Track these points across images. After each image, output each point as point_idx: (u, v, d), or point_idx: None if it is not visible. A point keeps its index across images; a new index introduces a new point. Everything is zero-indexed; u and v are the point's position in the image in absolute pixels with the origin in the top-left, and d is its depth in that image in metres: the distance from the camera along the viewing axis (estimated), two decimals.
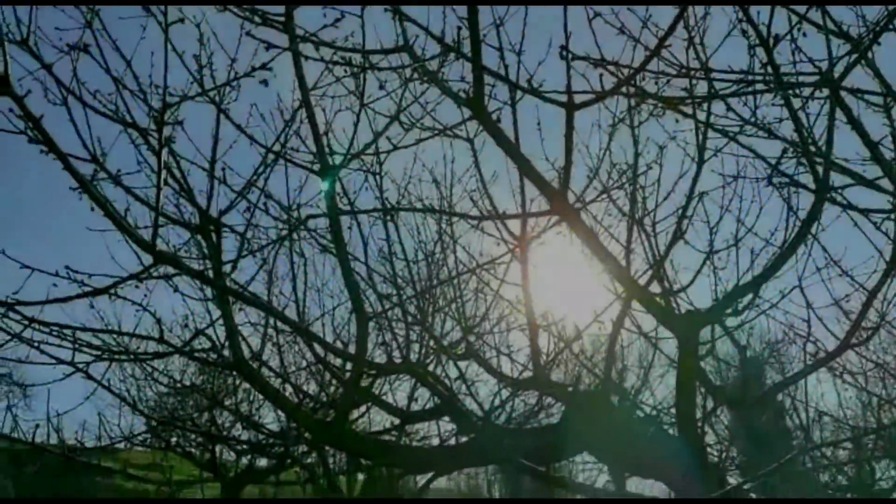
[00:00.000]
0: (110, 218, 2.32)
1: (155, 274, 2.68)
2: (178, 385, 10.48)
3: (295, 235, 5.64)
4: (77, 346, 3.97)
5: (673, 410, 5.02)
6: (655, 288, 5.64)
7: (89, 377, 3.78)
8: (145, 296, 4.44)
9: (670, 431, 4.15)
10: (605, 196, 5.83)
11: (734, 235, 5.65)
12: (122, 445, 22.80)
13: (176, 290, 4.86)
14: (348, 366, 6.80)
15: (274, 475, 21.17)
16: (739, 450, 7.30)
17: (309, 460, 13.91)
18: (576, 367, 6.29)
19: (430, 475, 13.52)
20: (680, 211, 5.24)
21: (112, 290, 2.52)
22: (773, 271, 3.50)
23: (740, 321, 5.59)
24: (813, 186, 3.84)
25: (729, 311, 4.54)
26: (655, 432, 3.64)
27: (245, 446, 14.61)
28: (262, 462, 20.49)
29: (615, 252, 6.05)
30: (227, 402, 12.52)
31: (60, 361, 3.65)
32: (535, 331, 5.48)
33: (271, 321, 6.62)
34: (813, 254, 4.93)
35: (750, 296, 4.76)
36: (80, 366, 3.87)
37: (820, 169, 3.45)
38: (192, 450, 20.65)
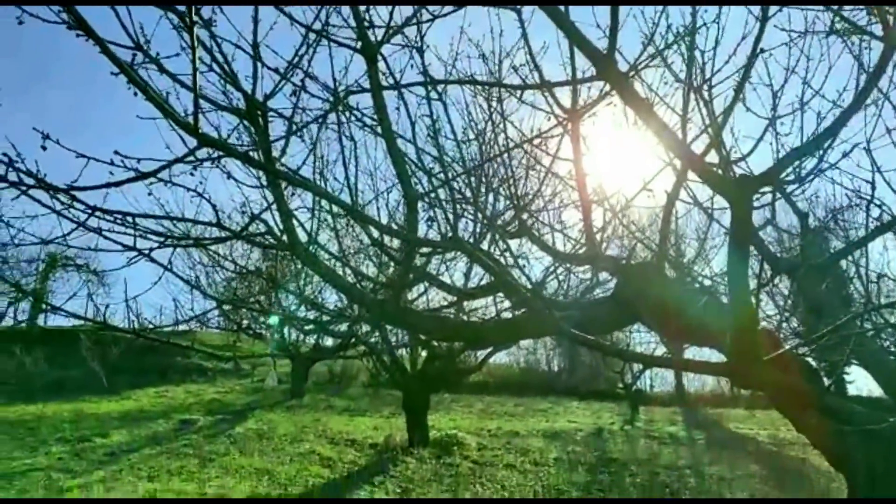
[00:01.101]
0: (152, 101, 2.32)
1: (200, 157, 2.70)
2: (243, 269, 10.89)
3: (343, 118, 5.59)
4: (140, 233, 4.12)
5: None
6: (713, 158, 5.46)
7: (154, 261, 3.92)
8: (200, 183, 4.54)
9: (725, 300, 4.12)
10: (659, 61, 5.55)
11: (799, 98, 5.35)
12: (197, 329, 24.05)
13: (229, 176, 4.93)
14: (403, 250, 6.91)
15: (339, 352, 22.28)
16: (799, 320, 7.24)
17: (372, 339, 14.49)
18: (630, 241, 6.24)
19: (488, 351, 13.99)
20: (740, 74, 4.95)
21: (160, 174, 2.56)
22: (836, 129, 3.29)
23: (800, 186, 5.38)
24: (881, 34, 3.55)
25: (788, 175, 4.36)
26: (709, 301, 3.61)
27: (311, 326, 15.19)
28: (328, 341, 21.55)
29: (670, 123, 5.88)
30: (291, 287, 12.94)
31: (126, 247, 3.78)
32: (587, 206, 5.42)
33: (326, 205, 6.73)
34: (883, 114, 4.65)
35: (812, 160, 4.56)
36: (145, 251, 4.00)
37: (890, 18, 3.16)
38: (263, 331, 21.75)
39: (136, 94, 2.34)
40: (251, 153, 3.34)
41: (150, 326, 4.08)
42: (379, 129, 3.86)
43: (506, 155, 6.27)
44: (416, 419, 12.53)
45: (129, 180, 2.60)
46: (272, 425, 14.12)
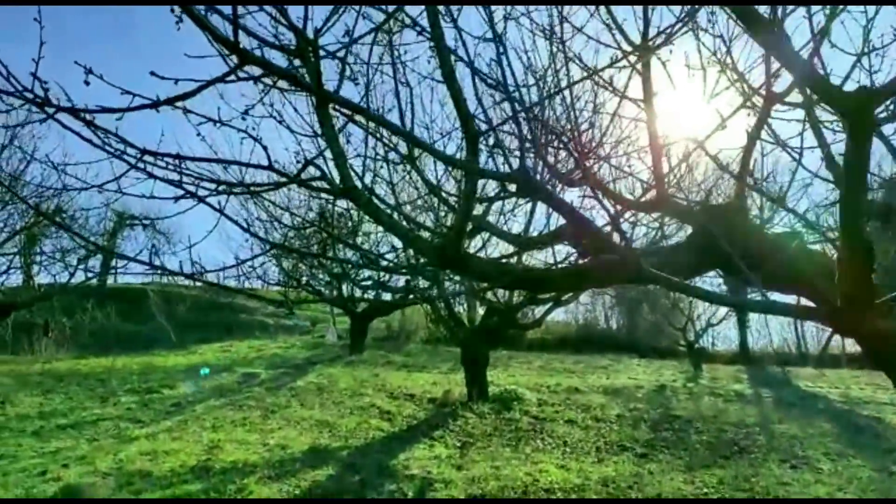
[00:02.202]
0: (189, 15, 2.14)
1: (242, 76, 2.50)
2: (302, 222, 10.85)
3: (397, 59, 5.34)
4: (193, 179, 4.00)
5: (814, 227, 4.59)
6: (795, 98, 5.04)
7: (208, 205, 3.80)
8: (253, 127, 4.39)
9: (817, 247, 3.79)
10: None
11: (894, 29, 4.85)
12: (259, 286, 24.49)
13: (281, 121, 4.78)
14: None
15: (398, 308, 22.38)
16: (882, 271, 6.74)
17: (430, 294, 14.40)
18: (704, 187, 5.87)
19: (547, 307, 13.74)
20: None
21: (198, 93, 2.38)
22: None
23: None
24: None
25: None
26: (799, 246, 3.29)
27: (369, 282, 15.21)
28: (387, 296, 21.64)
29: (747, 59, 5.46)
30: (348, 241, 12.87)
31: (179, 195, 3.66)
32: (657, 151, 5.07)
33: (381, 152, 6.52)
34: None
35: None
36: (198, 196, 3.88)
37: None
38: (322, 288, 21.94)
39: (172, 10, 2.15)
40: (293, 69, 3.10)
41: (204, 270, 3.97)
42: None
43: (568, 98, 5.95)
44: (474, 374, 12.44)
45: (161, 102, 2.43)
46: (332, 379, 14.27)
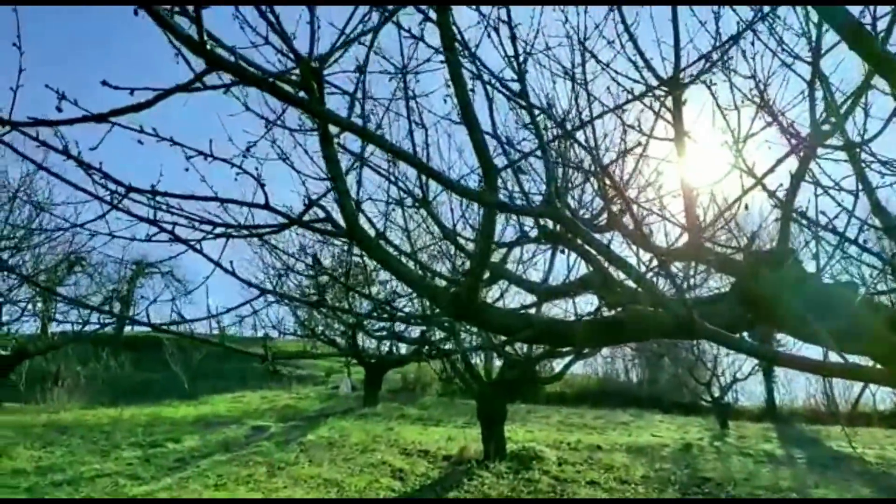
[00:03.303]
0: (148, 11, 1.82)
1: (209, 83, 2.18)
2: (318, 269, 10.54)
3: (412, 100, 5.07)
4: (192, 222, 3.69)
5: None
6: (835, 141, 4.67)
7: (198, 252, 3.45)
8: (256, 168, 4.09)
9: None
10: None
11: None
12: (274, 334, 24.12)
13: (285, 158, 4.47)
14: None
15: (414, 360, 21.87)
16: None
17: (447, 346, 13.96)
18: (743, 233, 5.46)
19: (567, 360, 13.21)
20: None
21: (154, 104, 2.04)
22: None
23: None
24: None
25: None
26: (866, 299, 2.88)
27: (384, 332, 14.80)
28: (403, 348, 21.21)
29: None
30: (364, 291, 12.50)
31: (170, 236, 3.33)
32: (689, 194, 4.70)
33: (393, 192, 6.19)
34: None
35: None
36: (191, 241, 3.55)
37: None
38: (337, 338, 21.53)
39: (136, 12, 1.84)
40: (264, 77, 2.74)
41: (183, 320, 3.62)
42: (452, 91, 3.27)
43: (591, 138, 5.63)
44: (491, 430, 11.88)
45: (107, 115, 2.09)
46: (344, 433, 13.75)
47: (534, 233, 5.24)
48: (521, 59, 4.30)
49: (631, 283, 4.03)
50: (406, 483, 10.10)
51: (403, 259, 5.65)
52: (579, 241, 4.05)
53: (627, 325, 3.42)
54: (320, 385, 27.22)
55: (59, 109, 2.59)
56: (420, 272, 3.69)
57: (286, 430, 14.51)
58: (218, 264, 3.64)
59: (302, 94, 3.67)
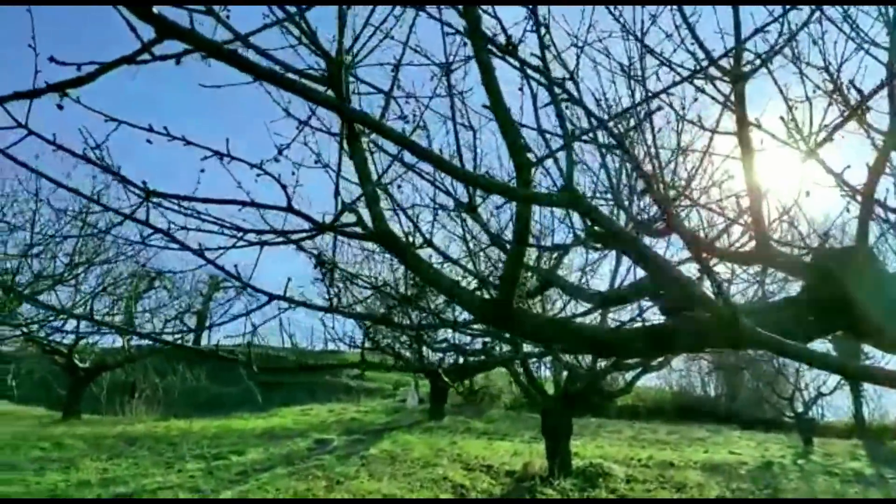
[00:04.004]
0: None
1: (158, 54, 1.99)
2: (381, 285, 10.43)
3: (455, 99, 4.83)
4: (222, 228, 3.57)
5: None
6: None
7: (211, 263, 3.32)
8: (293, 173, 3.95)
9: None
10: None
11: None
12: (344, 347, 24.27)
13: (318, 161, 4.30)
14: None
15: (479, 371, 21.58)
16: None
17: (509, 356, 13.63)
18: (813, 237, 5.01)
19: (635, 373, 12.67)
20: None
21: (97, 76, 1.86)
22: None
23: None
24: None
25: None
26: None
27: (444, 345, 14.57)
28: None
29: None
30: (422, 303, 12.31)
31: (178, 244, 3.19)
32: (755, 190, 4.30)
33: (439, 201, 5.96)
34: None
35: None
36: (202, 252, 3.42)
37: None
38: (404, 351, 21.44)
39: None
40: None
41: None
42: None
43: (650, 136, 5.27)
44: (556, 445, 11.46)
45: (44, 90, 1.92)
46: (407, 447, 13.56)
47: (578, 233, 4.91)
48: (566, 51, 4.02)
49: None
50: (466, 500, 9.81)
51: (446, 266, 5.42)
52: (631, 244, 3.73)
53: (680, 333, 3.08)
54: (388, 398, 27.19)
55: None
56: (454, 278, 3.44)
57: (349, 443, 14.43)
58: (231, 274, 3.49)
59: (329, 92, 3.51)
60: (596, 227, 4.21)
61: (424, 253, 4.98)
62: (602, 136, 5.32)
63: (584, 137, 4.08)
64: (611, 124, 5.42)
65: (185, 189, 3.33)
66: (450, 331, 14.50)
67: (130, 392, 23.54)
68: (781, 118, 3.97)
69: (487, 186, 2.75)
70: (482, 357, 14.64)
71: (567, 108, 4.48)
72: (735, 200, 5.74)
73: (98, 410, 22.11)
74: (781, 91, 4.50)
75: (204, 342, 35.75)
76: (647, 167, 5.56)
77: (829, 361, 2.65)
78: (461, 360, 18.41)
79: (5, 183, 15.73)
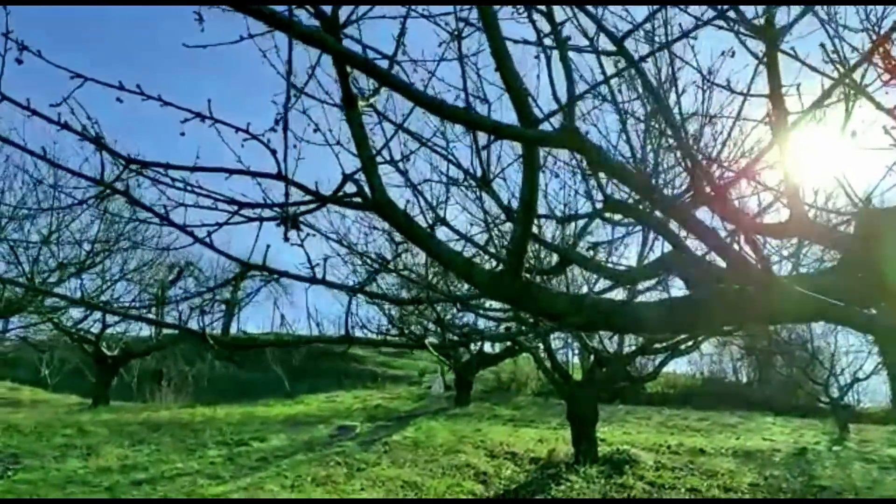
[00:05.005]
0: None
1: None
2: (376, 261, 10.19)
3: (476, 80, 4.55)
4: (215, 201, 3.34)
5: None
6: None
7: (202, 242, 3.10)
8: (296, 145, 3.73)
9: None
10: None
11: None
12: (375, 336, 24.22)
13: (317, 129, 4.06)
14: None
15: (504, 358, 21.33)
16: None
17: (534, 344, 13.37)
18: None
19: (663, 357, 12.34)
20: None
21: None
22: None
23: None
24: None
25: None
26: None
27: (464, 330, 14.32)
28: (493, 347, 20.73)
29: None
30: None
31: (166, 223, 2.98)
32: (790, 158, 3.98)
33: (451, 172, 5.70)
34: None
35: None
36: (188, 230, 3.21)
37: None
38: (430, 337, 21.28)
39: None
40: None
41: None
42: None
43: (674, 100, 4.95)
44: (582, 431, 11.18)
45: None
46: (430, 434, 13.38)
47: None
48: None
49: (714, 260, 3.39)
50: (489, 486, 9.60)
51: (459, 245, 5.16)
52: (652, 214, 3.44)
53: (710, 307, 2.79)
54: (415, 385, 27.08)
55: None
56: (455, 250, 3.19)
57: (373, 430, 14.30)
58: (216, 251, 3.27)
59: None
60: (615, 199, 3.91)
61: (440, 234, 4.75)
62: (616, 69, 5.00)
63: (582, 44, 3.73)
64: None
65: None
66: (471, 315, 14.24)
67: (157, 379, 23.72)
68: (821, 44, 3.63)
69: (494, 128, 2.46)
70: (505, 340, 14.35)
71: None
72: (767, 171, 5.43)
73: (129, 398, 22.32)
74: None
75: (233, 330, 36.15)
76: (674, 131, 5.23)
77: (876, 323, 2.35)
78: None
79: None
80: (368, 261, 7.95)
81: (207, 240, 3.27)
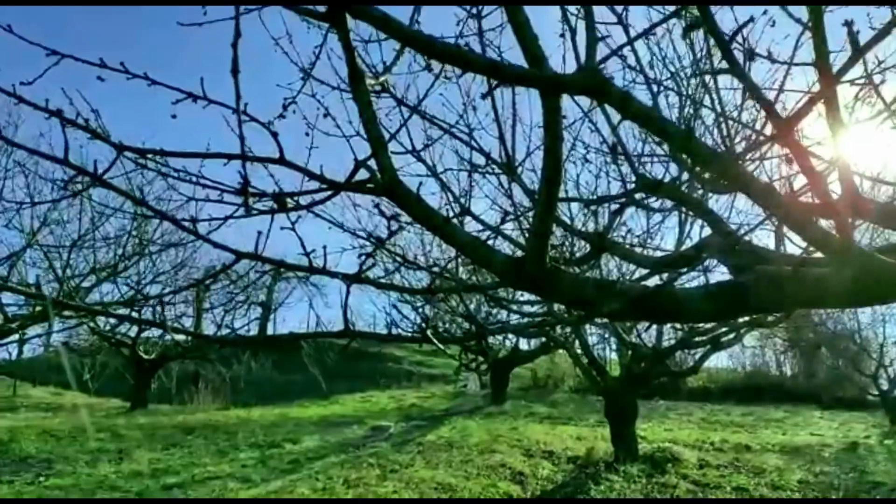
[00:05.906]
0: None
1: None
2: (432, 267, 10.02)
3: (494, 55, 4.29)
4: (221, 193, 3.14)
5: None
6: None
7: (201, 237, 2.89)
8: (307, 133, 3.52)
9: None
10: None
11: None
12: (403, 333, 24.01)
13: (327, 114, 3.84)
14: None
15: (539, 355, 20.97)
16: None
17: (569, 339, 13.06)
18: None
19: (704, 350, 11.89)
20: None
21: None
22: None
23: None
24: None
25: None
26: None
27: (497, 326, 14.05)
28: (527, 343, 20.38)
29: None
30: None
31: (162, 217, 2.77)
32: (839, 130, 3.64)
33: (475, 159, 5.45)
34: None
35: None
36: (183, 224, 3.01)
37: None
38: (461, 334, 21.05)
39: None
40: None
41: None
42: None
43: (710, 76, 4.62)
44: (621, 429, 10.81)
45: None
46: (465, 433, 13.13)
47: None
48: None
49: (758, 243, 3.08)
50: (525, 487, 9.30)
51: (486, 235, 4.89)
52: (691, 192, 3.14)
53: (758, 291, 2.50)
54: (451, 384, 26.86)
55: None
56: (473, 235, 2.93)
57: (407, 430, 14.11)
58: (213, 243, 3.05)
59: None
60: (650, 179, 3.61)
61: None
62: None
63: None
64: None
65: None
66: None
67: (194, 382, 23.87)
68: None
69: (492, 68, 2.19)
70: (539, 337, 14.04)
71: None
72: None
73: (168, 401, 22.50)
74: None
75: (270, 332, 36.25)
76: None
77: None
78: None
79: None
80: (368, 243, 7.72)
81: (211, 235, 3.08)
